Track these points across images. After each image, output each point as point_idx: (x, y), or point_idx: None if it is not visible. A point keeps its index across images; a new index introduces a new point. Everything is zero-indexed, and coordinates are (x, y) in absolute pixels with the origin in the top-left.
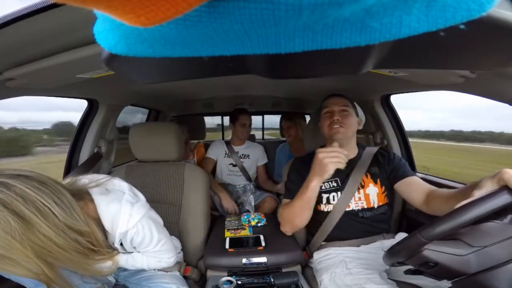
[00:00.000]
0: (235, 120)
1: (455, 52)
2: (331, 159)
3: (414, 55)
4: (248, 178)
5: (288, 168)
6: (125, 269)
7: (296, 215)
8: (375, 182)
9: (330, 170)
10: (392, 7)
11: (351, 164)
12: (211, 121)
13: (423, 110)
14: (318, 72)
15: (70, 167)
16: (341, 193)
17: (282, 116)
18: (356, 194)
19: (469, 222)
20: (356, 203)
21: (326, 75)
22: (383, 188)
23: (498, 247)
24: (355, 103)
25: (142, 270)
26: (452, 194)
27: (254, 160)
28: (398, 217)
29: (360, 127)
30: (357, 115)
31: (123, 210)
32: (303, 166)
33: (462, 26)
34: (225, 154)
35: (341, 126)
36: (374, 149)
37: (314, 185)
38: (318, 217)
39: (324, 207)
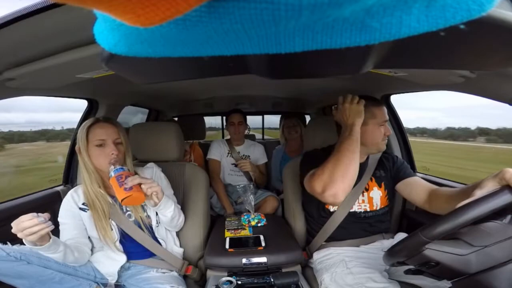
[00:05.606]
0: (226, 120)
1: (455, 52)
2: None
3: (414, 55)
4: (249, 178)
5: (297, 164)
6: (128, 269)
7: (344, 170)
8: (379, 186)
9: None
10: (392, 7)
11: (360, 170)
12: (213, 121)
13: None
14: (318, 72)
15: (70, 167)
16: None
17: (282, 116)
18: (360, 197)
19: (470, 221)
20: (359, 206)
21: (326, 75)
22: (386, 191)
23: (499, 247)
24: None
25: (142, 271)
26: (454, 193)
27: (254, 161)
28: (398, 217)
29: None
30: None
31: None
32: (315, 158)
33: (462, 26)
34: (227, 153)
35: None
36: (378, 154)
37: (357, 127)
38: (323, 216)
39: (331, 207)
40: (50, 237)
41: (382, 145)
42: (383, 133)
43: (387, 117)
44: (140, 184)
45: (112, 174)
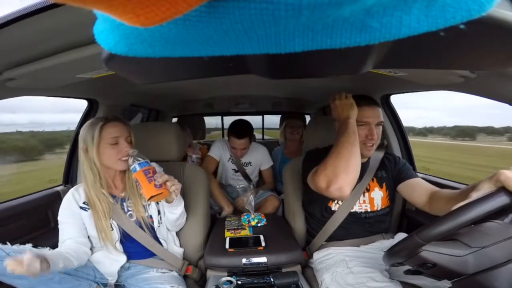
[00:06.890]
0: (228, 138)
1: (455, 52)
2: None
3: (414, 55)
4: (250, 182)
5: (297, 165)
6: (128, 269)
7: (346, 163)
8: (381, 186)
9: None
10: (392, 7)
11: (361, 170)
12: (214, 121)
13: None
14: (318, 72)
15: (70, 167)
16: None
17: (283, 116)
18: (361, 197)
19: (465, 223)
20: (360, 206)
21: (326, 75)
22: (387, 192)
23: (497, 247)
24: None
25: (142, 271)
26: (454, 195)
27: (256, 166)
28: (398, 217)
29: None
30: None
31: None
32: (317, 156)
33: (462, 26)
34: (230, 158)
35: (374, 144)
36: (380, 154)
37: (353, 120)
38: (324, 216)
39: (333, 206)
40: (48, 264)
41: (364, 149)
42: (365, 134)
43: (376, 120)
44: (166, 181)
45: (137, 167)
